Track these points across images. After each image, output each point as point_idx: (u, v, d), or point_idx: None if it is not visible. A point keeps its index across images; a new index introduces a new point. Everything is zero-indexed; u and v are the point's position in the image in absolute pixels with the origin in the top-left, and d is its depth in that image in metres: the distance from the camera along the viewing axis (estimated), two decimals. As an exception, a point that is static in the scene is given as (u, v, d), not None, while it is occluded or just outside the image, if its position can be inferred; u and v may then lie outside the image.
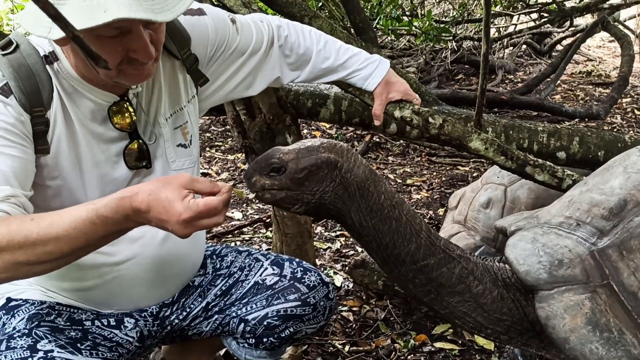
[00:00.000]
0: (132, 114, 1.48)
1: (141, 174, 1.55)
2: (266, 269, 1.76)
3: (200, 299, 1.73)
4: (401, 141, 5.28)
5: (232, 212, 3.86)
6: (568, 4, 4.83)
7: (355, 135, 5.55)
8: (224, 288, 1.75)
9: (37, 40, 1.40)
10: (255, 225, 3.63)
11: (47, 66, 1.39)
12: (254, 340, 1.73)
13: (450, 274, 1.46)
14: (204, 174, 4.62)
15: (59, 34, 1.21)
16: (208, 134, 5.68)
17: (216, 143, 5.44)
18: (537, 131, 2.41)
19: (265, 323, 1.70)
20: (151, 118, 1.55)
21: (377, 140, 5.32)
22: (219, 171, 4.71)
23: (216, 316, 1.73)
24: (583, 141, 2.37)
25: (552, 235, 1.44)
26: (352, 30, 3.03)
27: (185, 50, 1.57)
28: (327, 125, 5.85)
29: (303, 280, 1.73)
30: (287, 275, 1.74)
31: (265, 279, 1.74)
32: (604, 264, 1.33)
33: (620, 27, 7.21)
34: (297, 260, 1.82)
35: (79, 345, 1.50)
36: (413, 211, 1.49)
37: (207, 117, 5.68)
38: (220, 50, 1.66)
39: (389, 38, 7.84)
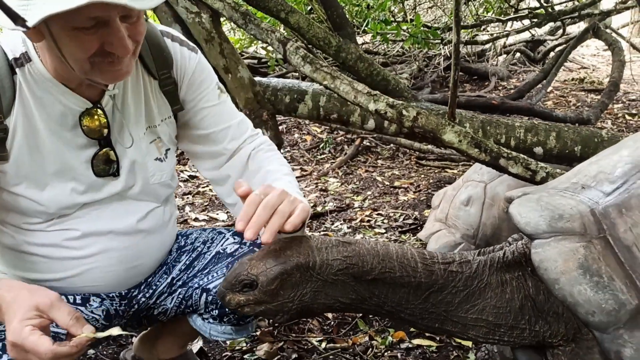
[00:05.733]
0: (102, 119, 1.47)
1: (114, 186, 1.55)
2: (227, 239, 1.77)
3: (165, 276, 1.73)
4: (391, 145, 5.29)
5: (217, 214, 3.85)
6: (557, 8, 4.84)
7: (345, 139, 5.55)
8: (187, 262, 1.75)
9: (8, 43, 1.38)
10: (240, 225, 3.61)
11: (18, 69, 1.37)
12: (217, 312, 1.71)
13: (455, 289, 1.45)
14: (192, 177, 4.62)
15: (30, 21, 1.16)
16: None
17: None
18: (515, 127, 2.41)
19: None
20: (127, 128, 1.54)
21: (367, 144, 5.32)
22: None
23: (179, 290, 1.73)
24: (560, 136, 2.37)
25: (557, 197, 1.48)
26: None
27: (165, 72, 1.57)
28: (318, 130, 5.86)
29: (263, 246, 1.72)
30: (248, 242, 1.74)
31: (226, 247, 1.74)
32: (602, 220, 1.36)
33: (613, 34, 7.23)
34: None
35: None
36: (401, 249, 1.44)
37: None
38: (193, 95, 1.64)
39: (383, 47, 7.88)
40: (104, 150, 1.50)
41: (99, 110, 1.46)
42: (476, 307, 1.46)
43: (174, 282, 1.74)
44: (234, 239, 1.78)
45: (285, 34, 2.47)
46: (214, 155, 1.71)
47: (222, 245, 1.76)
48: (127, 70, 1.36)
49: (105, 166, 1.51)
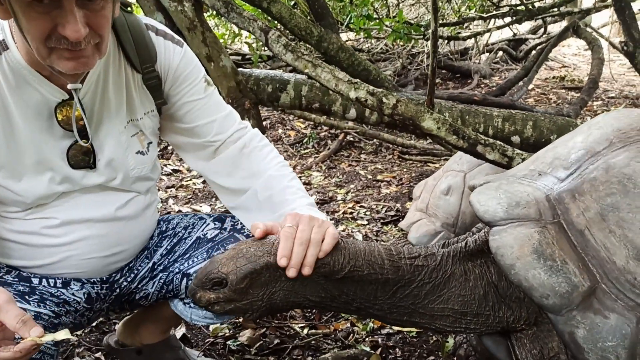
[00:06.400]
0: (78, 111, 1.46)
1: (92, 178, 1.55)
2: (208, 224, 1.78)
3: (147, 260, 1.75)
4: (374, 140, 5.33)
5: (201, 206, 3.86)
6: (537, 5, 4.92)
7: (329, 135, 5.58)
8: (168, 247, 1.77)
9: None
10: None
11: None
12: None
13: (421, 282, 1.48)
14: (175, 171, 4.62)
15: None
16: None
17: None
18: (492, 116, 2.45)
19: None
20: (106, 121, 1.54)
21: (351, 139, 5.36)
22: (190, 168, 4.71)
23: (160, 275, 1.74)
24: (536, 125, 2.42)
25: (516, 184, 1.52)
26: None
27: (148, 66, 1.56)
28: (302, 125, 5.89)
29: (243, 231, 1.75)
30: (228, 227, 1.76)
31: (207, 233, 1.76)
32: (557, 205, 1.40)
33: (593, 33, 7.35)
34: None
35: (27, 297, 1.51)
36: (368, 246, 1.47)
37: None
38: (178, 89, 1.64)
39: (367, 45, 7.94)
40: (80, 142, 1.49)
41: (78, 106, 1.45)
42: (442, 297, 1.49)
43: (155, 266, 1.75)
44: (215, 224, 1.79)
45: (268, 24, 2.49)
46: (198, 147, 1.71)
47: (202, 231, 1.78)
48: (86, 62, 1.34)
49: (84, 157, 1.51)
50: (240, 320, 2.42)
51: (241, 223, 1.78)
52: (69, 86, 1.43)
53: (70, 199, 1.54)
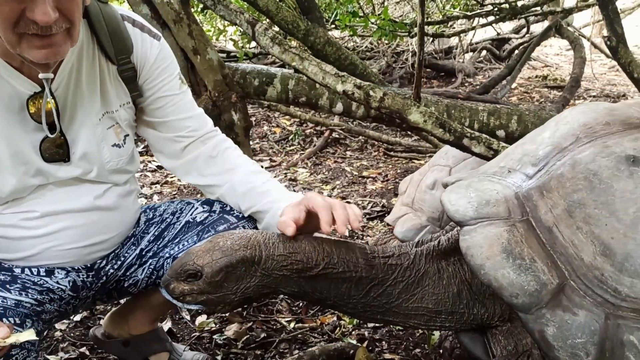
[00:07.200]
0: (51, 104, 1.44)
1: (66, 171, 1.53)
2: (197, 208, 1.78)
3: (134, 247, 1.74)
4: (360, 137, 5.34)
5: (186, 202, 3.85)
6: (520, 3, 4.97)
7: (314, 132, 5.58)
8: (156, 233, 1.76)
9: None
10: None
11: None
12: None
13: (394, 281, 1.50)
14: (159, 167, 4.59)
15: None
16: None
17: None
18: (478, 110, 2.47)
19: None
20: (80, 113, 1.52)
21: (336, 136, 5.37)
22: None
23: (150, 261, 1.73)
24: (521, 120, 2.45)
25: (486, 182, 1.52)
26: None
27: (124, 58, 1.55)
28: (287, 122, 5.88)
29: (232, 212, 1.75)
30: (217, 210, 1.77)
31: (196, 216, 1.76)
32: (525, 203, 1.40)
33: (575, 32, 7.44)
34: None
35: (7, 286, 1.50)
36: (344, 244, 1.48)
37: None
38: (153, 82, 1.63)
39: (352, 43, 7.95)
40: (54, 135, 1.47)
41: (51, 98, 1.43)
42: (415, 296, 1.50)
43: (144, 253, 1.74)
44: (203, 207, 1.79)
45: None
46: (168, 141, 1.71)
47: (191, 215, 1.78)
48: (58, 51, 1.32)
49: (58, 150, 1.50)
50: (227, 314, 2.41)
51: (230, 205, 1.78)
52: (40, 76, 1.40)
53: (47, 192, 1.53)
